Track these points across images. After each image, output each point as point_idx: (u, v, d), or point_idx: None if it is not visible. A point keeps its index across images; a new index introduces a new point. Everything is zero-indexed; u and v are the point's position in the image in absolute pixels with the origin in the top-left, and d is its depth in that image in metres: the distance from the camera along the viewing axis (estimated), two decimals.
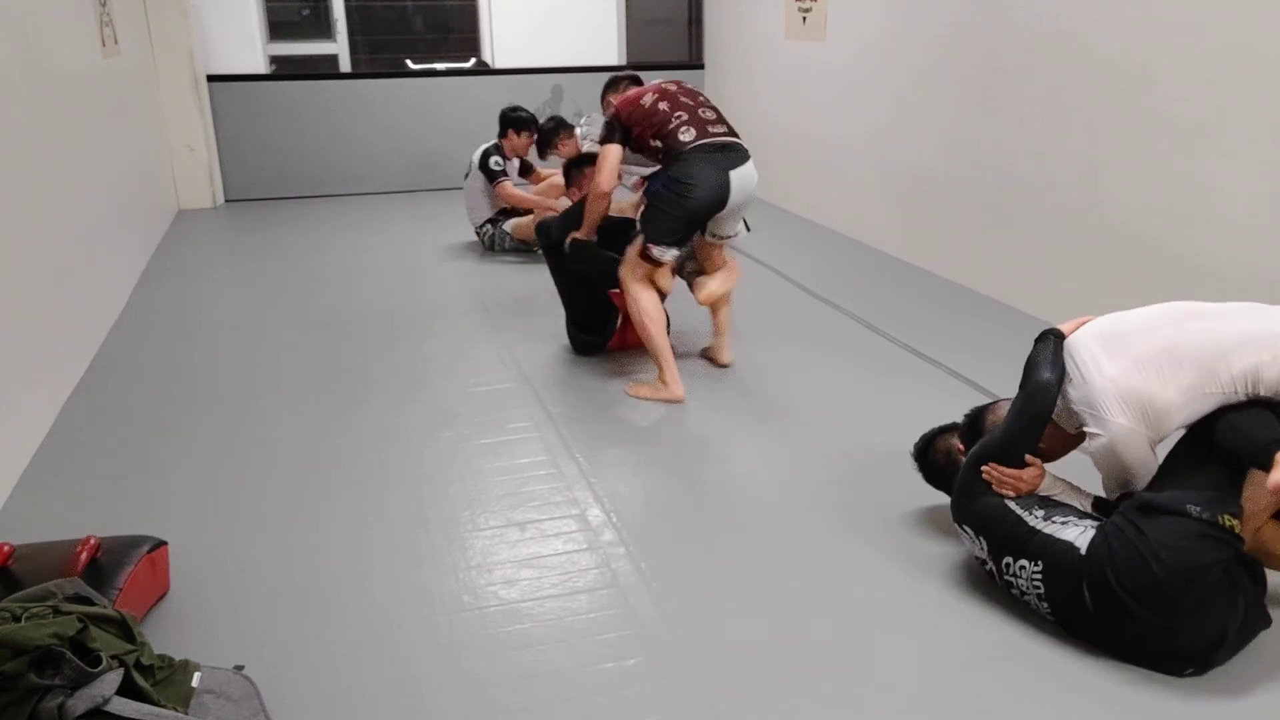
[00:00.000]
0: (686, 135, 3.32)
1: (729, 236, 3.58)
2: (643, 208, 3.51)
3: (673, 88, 3.54)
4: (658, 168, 3.48)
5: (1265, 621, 2.14)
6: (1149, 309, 2.37)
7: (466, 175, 5.69)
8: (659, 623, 2.31)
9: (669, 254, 3.39)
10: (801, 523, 2.74)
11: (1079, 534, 2.18)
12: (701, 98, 3.57)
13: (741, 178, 3.35)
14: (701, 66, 7.75)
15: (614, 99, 3.93)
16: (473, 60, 8.58)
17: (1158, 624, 2.06)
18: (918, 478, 2.72)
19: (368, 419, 3.43)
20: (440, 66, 8.18)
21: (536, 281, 5.14)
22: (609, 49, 8.48)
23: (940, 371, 3.79)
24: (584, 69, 7.59)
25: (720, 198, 3.32)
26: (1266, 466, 2.06)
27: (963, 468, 2.41)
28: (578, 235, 3.66)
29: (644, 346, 3.62)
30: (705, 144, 3.33)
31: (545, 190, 5.63)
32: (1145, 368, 2.21)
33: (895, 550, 2.59)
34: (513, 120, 5.61)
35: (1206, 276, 3.52)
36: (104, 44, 4.92)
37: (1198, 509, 2.07)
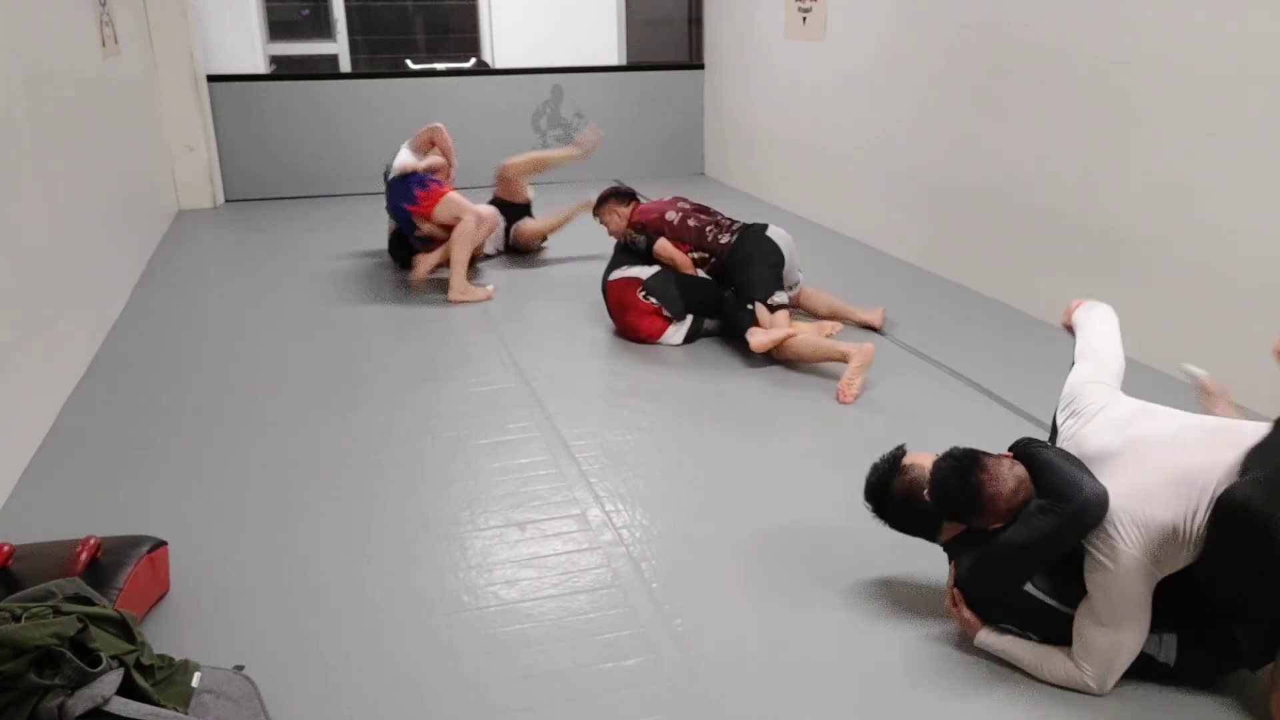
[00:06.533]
0: (724, 238, 4.23)
1: (796, 284, 4.35)
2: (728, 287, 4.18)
3: (688, 206, 4.39)
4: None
5: None
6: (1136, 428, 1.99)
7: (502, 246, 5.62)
8: (659, 623, 2.31)
9: (781, 296, 4.03)
10: (801, 524, 2.74)
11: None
12: (712, 210, 4.42)
13: (775, 232, 4.22)
14: (701, 66, 7.74)
15: (621, 210, 4.54)
16: (473, 60, 8.58)
17: None
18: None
19: (367, 419, 3.43)
20: (440, 66, 8.18)
21: (536, 281, 5.14)
22: (609, 49, 8.48)
23: (942, 372, 3.79)
24: (584, 69, 7.58)
25: (774, 245, 4.15)
26: None
27: (972, 575, 2.12)
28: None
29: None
30: (737, 235, 4.23)
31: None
32: (1159, 489, 1.84)
33: (896, 550, 2.58)
34: (406, 245, 5.26)
35: (1207, 277, 3.52)
36: (104, 44, 4.92)
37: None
